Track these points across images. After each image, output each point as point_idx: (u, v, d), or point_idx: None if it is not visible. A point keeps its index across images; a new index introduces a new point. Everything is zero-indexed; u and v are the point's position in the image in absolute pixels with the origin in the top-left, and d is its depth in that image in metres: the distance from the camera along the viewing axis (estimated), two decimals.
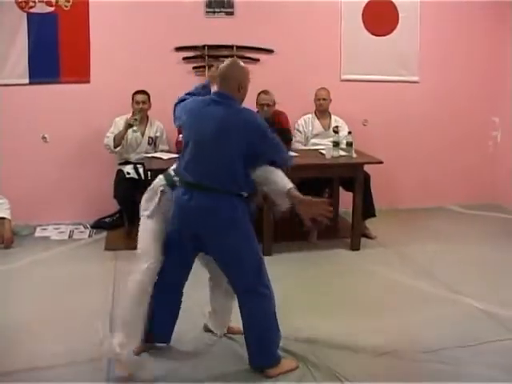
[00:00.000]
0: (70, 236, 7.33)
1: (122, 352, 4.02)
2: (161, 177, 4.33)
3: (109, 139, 7.09)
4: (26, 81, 7.45)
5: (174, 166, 4.27)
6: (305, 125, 7.48)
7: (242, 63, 4.24)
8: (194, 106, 4.19)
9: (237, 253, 4.00)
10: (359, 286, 5.78)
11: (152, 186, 4.35)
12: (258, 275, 4.07)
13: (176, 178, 4.15)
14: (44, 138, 7.64)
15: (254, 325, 4.10)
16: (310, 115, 7.52)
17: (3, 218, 7.01)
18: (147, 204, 4.32)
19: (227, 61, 4.23)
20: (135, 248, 6.50)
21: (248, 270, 4.03)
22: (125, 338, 4.06)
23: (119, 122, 7.16)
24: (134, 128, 7.05)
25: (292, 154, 6.84)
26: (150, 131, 7.27)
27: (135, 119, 6.95)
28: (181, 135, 7.02)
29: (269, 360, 4.11)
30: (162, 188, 4.25)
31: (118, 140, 7.03)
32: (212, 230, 3.95)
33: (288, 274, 5.95)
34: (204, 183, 3.94)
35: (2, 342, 4.54)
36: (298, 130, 7.49)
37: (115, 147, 7.07)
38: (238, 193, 3.97)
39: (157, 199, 4.25)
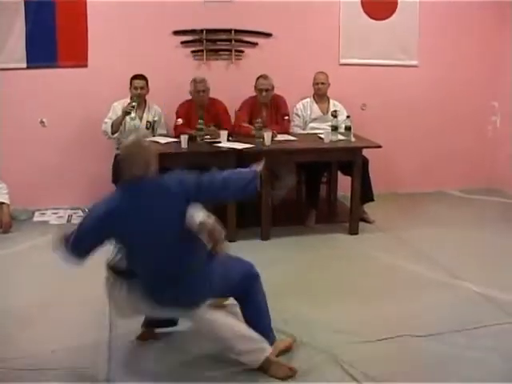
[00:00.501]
0: (68, 220, 7.32)
1: None
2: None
3: (106, 125, 7.07)
4: (24, 65, 7.42)
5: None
6: (303, 109, 7.46)
7: (144, 142, 3.90)
8: (114, 212, 3.65)
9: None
10: (357, 270, 5.76)
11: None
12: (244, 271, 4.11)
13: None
14: (42, 122, 7.62)
15: (262, 308, 4.09)
16: (308, 99, 7.49)
17: (2, 203, 7.02)
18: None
19: (129, 142, 3.84)
20: None
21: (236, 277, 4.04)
22: None
23: (117, 107, 7.14)
24: (132, 115, 7.03)
25: (291, 137, 6.88)
26: (148, 115, 7.25)
27: (132, 107, 6.93)
28: (179, 119, 7.07)
29: (272, 339, 4.09)
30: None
31: (116, 126, 7.01)
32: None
33: (286, 258, 5.96)
34: (171, 272, 3.75)
35: (1, 328, 4.54)
36: (296, 114, 7.46)
37: (113, 133, 7.06)
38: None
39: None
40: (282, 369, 3.89)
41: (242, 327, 3.94)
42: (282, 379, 3.84)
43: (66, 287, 5.25)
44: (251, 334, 3.90)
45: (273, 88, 7.19)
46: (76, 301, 4.94)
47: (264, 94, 7.16)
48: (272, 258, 5.93)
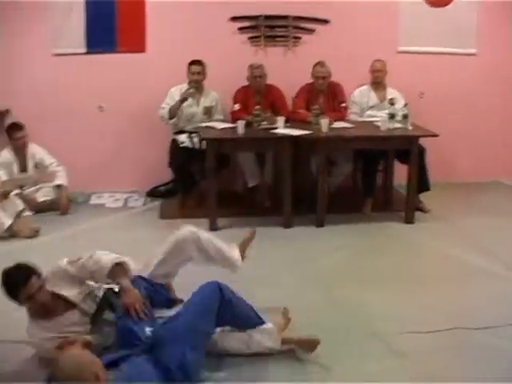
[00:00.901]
0: (124, 204, 7.44)
1: None
2: None
3: (164, 111, 7.13)
4: (84, 50, 7.53)
5: None
6: (360, 96, 7.40)
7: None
8: None
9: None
10: (413, 259, 5.71)
11: None
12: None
13: None
14: (100, 107, 7.71)
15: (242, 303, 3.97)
16: (365, 87, 7.44)
17: (60, 185, 7.13)
18: None
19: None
20: (189, 217, 6.65)
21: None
22: None
23: (174, 93, 7.19)
24: (189, 101, 7.08)
25: (348, 125, 6.85)
26: (206, 101, 7.28)
27: (190, 93, 6.98)
28: (236, 105, 7.09)
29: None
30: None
31: (173, 112, 7.07)
32: None
33: (341, 246, 5.94)
34: None
35: None
36: (353, 102, 7.41)
37: (170, 119, 7.12)
38: None
39: None
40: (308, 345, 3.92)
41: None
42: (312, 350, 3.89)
43: None
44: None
45: (330, 75, 7.16)
46: None
47: (321, 81, 7.13)
48: (327, 245, 5.92)
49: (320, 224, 6.46)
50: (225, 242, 4.43)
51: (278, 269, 5.36)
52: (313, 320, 4.38)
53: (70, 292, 3.83)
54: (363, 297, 4.79)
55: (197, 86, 7.14)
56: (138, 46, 7.60)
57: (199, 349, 3.55)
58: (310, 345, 3.90)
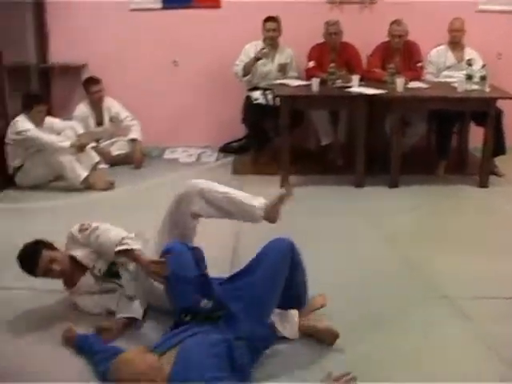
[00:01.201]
0: (197, 159, 7.51)
1: None
2: None
3: (238, 68, 7.15)
4: (159, 5, 7.57)
5: None
6: (437, 56, 7.25)
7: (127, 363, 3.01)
8: None
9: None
10: (486, 223, 5.62)
11: None
12: None
13: None
14: (175, 62, 7.75)
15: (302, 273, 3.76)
16: (443, 46, 7.27)
17: (134, 140, 7.23)
18: None
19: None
20: (262, 173, 6.69)
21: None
22: None
23: (249, 50, 7.19)
24: (263, 60, 7.07)
25: (424, 85, 6.75)
26: (280, 58, 7.25)
27: (264, 53, 6.97)
28: (311, 62, 7.05)
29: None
30: None
31: (247, 69, 7.08)
32: None
33: (413, 207, 5.89)
34: None
35: None
36: (430, 62, 7.27)
37: (244, 76, 7.14)
38: None
39: None
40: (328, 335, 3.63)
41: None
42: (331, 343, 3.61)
43: None
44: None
45: (406, 34, 7.04)
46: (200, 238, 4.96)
47: (397, 39, 7.02)
48: (399, 206, 5.89)
49: (393, 184, 6.40)
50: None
51: (348, 228, 5.35)
52: (383, 280, 4.39)
53: (83, 253, 3.86)
54: (435, 259, 4.75)
55: (272, 42, 7.12)
56: (214, 1, 7.59)
57: (268, 317, 3.48)
58: (329, 336, 3.59)
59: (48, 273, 3.73)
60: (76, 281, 3.87)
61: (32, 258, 3.71)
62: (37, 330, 3.75)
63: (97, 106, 7.29)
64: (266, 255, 3.50)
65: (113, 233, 3.73)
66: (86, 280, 3.86)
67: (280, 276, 3.45)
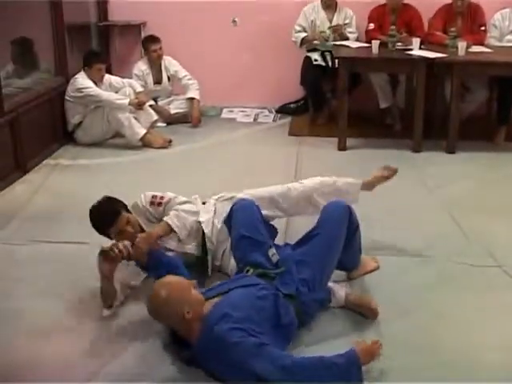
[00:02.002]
0: (254, 119, 7.53)
1: None
2: None
3: (297, 36, 7.20)
4: None
5: None
6: (502, 20, 7.06)
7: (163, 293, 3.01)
8: None
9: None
10: None
11: None
12: None
13: None
14: (234, 21, 7.74)
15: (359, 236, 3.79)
16: (508, 10, 7.07)
17: (192, 98, 7.26)
18: None
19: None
20: (318, 135, 6.69)
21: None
22: None
23: (307, 12, 7.21)
24: (322, 19, 7.08)
25: (486, 49, 6.61)
26: (339, 18, 7.18)
27: (322, 37, 7.06)
28: (371, 24, 6.97)
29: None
30: None
31: (306, 42, 7.17)
32: None
33: (470, 173, 5.80)
34: None
35: None
36: (493, 25, 7.09)
37: (301, 45, 7.20)
38: None
39: None
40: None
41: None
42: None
43: (247, 183, 5.38)
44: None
45: None
46: None
47: (460, 2, 6.86)
48: (456, 172, 5.82)
49: (451, 150, 6.32)
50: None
51: (404, 193, 5.31)
52: (436, 246, 4.36)
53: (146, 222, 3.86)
54: (489, 227, 4.66)
55: (330, 3, 7.08)
56: None
57: (327, 282, 3.49)
58: (370, 312, 3.49)
59: (121, 233, 3.68)
60: None
61: (111, 216, 3.69)
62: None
63: (155, 64, 7.34)
64: (324, 221, 3.52)
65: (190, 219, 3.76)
66: None
67: (339, 240, 3.47)
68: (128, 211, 3.79)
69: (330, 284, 3.56)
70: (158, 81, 7.40)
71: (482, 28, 6.99)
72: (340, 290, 3.59)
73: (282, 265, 3.36)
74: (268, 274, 3.33)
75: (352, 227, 3.59)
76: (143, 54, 7.45)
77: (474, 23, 6.99)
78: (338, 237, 3.47)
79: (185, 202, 3.86)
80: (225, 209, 3.84)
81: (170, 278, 3.14)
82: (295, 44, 7.21)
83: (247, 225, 3.51)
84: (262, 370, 2.78)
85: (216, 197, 4.04)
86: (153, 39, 7.27)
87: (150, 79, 7.34)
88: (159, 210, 3.83)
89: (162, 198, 3.86)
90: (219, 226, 3.84)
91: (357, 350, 2.88)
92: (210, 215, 3.87)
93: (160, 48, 7.26)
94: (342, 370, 2.81)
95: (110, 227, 3.69)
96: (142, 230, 3.76)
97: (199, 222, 3.84)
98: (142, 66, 7.32)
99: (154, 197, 3.85)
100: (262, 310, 3.05)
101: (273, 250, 3.43)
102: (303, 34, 7.15)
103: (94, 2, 7.74)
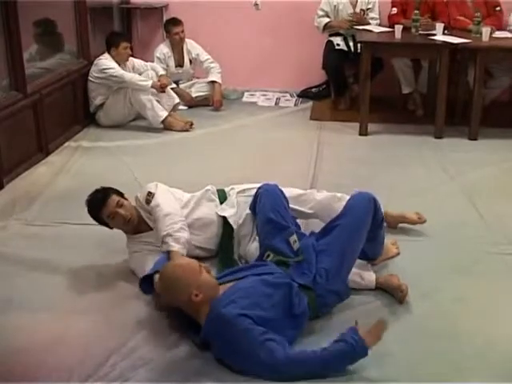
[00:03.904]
0: (276, 103, 7.52)
1: None
2: None
3: (320, 20, 7.14)
4: None
5: None
6: None
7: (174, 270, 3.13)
8: None
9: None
10: None
11: None
12: None
13: None
14: (256, 5, 7.71)
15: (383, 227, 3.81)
16: None
17: (214, 82, 7.25)
18: None
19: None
20: (340, 120, 6.69)
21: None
22: None
23: None
24: (344, 3, 7.08)
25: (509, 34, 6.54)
26: (362, 3, 7.13)
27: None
28: (394, 8, 6.92)
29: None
30: None
31: (328, 28, 7.13)
32: None
33: (493, 161, 5.74)
34: None
35: None
36: None
37: (324, 30, 7.15)
38: None
39: None
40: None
41: None
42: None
43: (270, 165, 5.41)
44: None
45: None
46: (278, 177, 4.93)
47: None
48: (478, 159, 5.77)
49: (473, 137, 6.27)
50: None
51: (425, 179, 5.30)
52: (455, 231, 4.37)
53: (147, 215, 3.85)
54: (509, 214, 4.64)
55: None
56: None
57: (348, 273, 3.47)
58: (400, 294, 3.52)
59: (113, 216, 3.71)
60: (140, 231, 3.87)
61: (101, 199, 3.73)
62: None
63: (177, 47, 7.33)
64: (348, 210, 3.51)
65: (160, 225, 3.64)
66: (148, 236, 3.84)
67: (361, 232, 3.46)
68: (122, 197, 3.81)
69: (356, 270, 3.57)
70: (179, 64, 7.40)
71: (498, 8, 6.89)
72: (368, 275, 3.62)
73: (303, 253, 3.36)
74: (286, 262, 3.34)
75: (377, 220, 3.59)
76: (165, 36, 7.44)
77: (486, 5, 6.89)
78: (361, 228, 3.45)
79: (168, 214, 3.70)
80: (247, 203, 3.85)
81: (182, 260, 3.23)
82: (318, 29, 7.17)
83: (271, 209, 3.53)
84: (268, 360, 2.82)
85: (237, 189, 4.02)
86: (175, 22, 7.27)
87: (172, 62, 7.34)
88: (150, 207, 3.79)
89: (154, 197, 3.78)
90: (241, 220, 3.85)
91: (361, 333, 2.86)
92: (234, 210, 3.88)
93: (182, 31, 7.25)
94: (346, 353, 2.84)
95: (100, 210, 3.72)
96: (142, 221, 3.81)
97: (223, 217, 3.85)
98: (164, 49, 7.32)
99: (149, 194, 3.81)
100: (273, 298, 3.07)
101: (294, 237, 3.42)
102: (326, 20, 7.10)
103: None
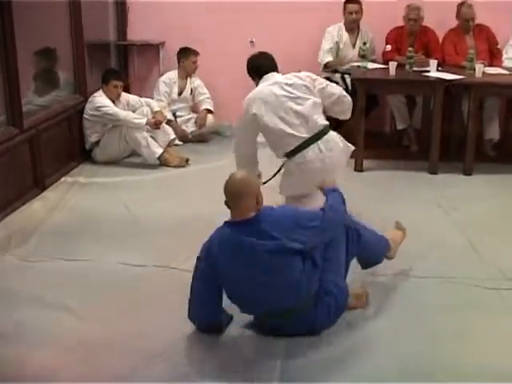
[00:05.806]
0: None
1: None
2: None
3: (323, 57, 7.20)
4: None
5: None
6: None
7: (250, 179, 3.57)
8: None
9: None
10: None
11: None
12: None
13: None
14: (252, 42, 7.78)
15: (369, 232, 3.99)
16: None
17: (208, 110, 7.53)
18: None
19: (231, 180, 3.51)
20: None
21: None
22: None
23: (332, 33, 7.23)
24: (345, 42, 7.14)
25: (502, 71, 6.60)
26: (361, 42, 7.17)
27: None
28: (388, 46, 6.98)
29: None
30: None
31: (330, 67, 7.15)
32: None
33: (489, 195, 5.80)
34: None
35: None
36: (510, 45, 7.08)
37: (325, 68, 7.22)
38: None
39: None
40: None
41: None
42: None
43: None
44: None
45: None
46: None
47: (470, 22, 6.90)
48: (474, 194, 5.80)
49: (468, 172, 6.31)
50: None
51: (420, 214, 5.29)
52: (451, 268, 4.37)
53: None
54: (505, 250, 4.65)
55: (353, 26, 7.12)
56: None
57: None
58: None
59: None
60: None
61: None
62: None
63: (185, 76, 7.54)
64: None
65: None
66: None
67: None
68: None
69: None
70: (181, 91, 7.55)
71: (499, 46, 7.01)
72: None
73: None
74: None
75: (351, 244, 3.80)
76: (178, 64, 7.56)
77: (487, 43, 7.00)
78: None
79: None
80: None
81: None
82: (320, 65, 7.21)
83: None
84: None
85: None
86: (195, 51, 7.47)
87: (176, 89, 7.49)
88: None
89: None
90: None
91: None
92: None
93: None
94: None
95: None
96: None
97: None
98: (171, 75, 7.51)
99: None
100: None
101: None
102: (328, 58, 7.17)
103: (114, 21, 7.82)
